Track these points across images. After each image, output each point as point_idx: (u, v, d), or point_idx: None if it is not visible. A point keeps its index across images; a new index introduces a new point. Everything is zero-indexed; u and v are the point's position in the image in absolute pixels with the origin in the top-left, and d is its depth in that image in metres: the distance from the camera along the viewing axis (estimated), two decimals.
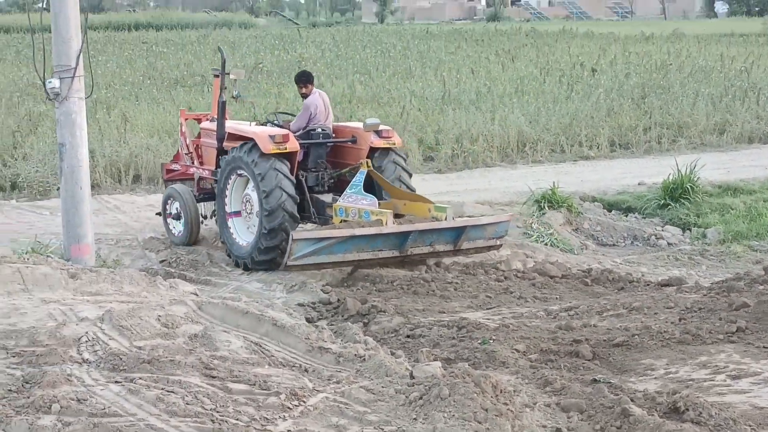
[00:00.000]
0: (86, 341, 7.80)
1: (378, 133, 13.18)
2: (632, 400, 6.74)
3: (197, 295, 10.24)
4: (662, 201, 15.99)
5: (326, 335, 8.37)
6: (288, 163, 12.56)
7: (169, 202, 14.02)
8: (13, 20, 57.59)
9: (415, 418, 6.34)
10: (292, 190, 12.44)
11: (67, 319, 8.58)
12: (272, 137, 12.44)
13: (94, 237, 12.28)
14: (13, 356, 7.60)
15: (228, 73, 13.87)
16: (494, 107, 23.43)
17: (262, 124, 13.55)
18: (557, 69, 30.73)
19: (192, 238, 13.76)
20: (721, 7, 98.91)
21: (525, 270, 12.39)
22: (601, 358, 8.75)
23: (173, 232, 13.92)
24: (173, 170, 14.83)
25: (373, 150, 13.15)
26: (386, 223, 12.04)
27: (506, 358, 8.48)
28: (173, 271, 12.48)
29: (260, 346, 8.05)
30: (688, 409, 6.62)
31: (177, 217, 13.86)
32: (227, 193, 13.00)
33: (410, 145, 20.13)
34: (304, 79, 13.74)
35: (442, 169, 19.57)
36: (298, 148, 12.74)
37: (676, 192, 16.02)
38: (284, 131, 12.74)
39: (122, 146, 19.02)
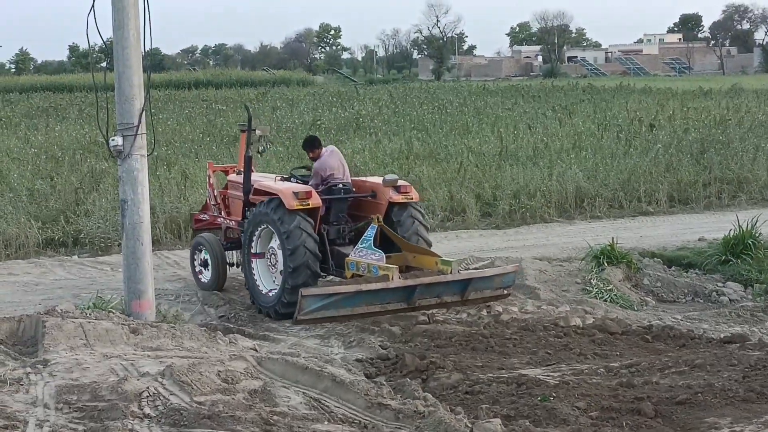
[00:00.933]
0: (147, 396, 7.85)
1: (396, 188, 13.72)
2: None
3: (256, 350, 10.27)
4: (723, 257, 15.81)
5: (385, 391, 8.36)
6: (311, 221, 13.09)
7: (197, 250, 14.69)
8: (77, 79, 58.72)
9: None
10: (315, 247, 13.00)
11: (129, 374, 8.65)
12: (296, 194, 13.00)
13: (154, 292, 12.39)
14: (76, 411, 7.66)
15: (254, 130, 14.51)
16: (551, 163, 23.41)
17: (285, 179, 14.21)
18: (615, 125, 30.67)
19: (220, 284, 14.38)
20: None
21: (584, 326, 12.27)
22: (663, 416, 8.63)
23: (201, 279, 14.56)
24: (202, 220, 15.65)
25: (392, 204, 13.70)
26: (392, 278, 12.44)
27: (567, 415, 8.39)
28: (232, 326, 12.54)
29: (320, 402, 8.06)
30: None
31: (205, 265, 14.53)
32: (253, 245, 13.55)
33: (467, 201, 20.15)
34: (309, 146, 14.36)
35: (500, 225, 19.54)
36: (320, 203, 13.27)
37: (738, 248, 15.83)
38: (307, 188, 13.29)
39: (182, 202, 19.24)
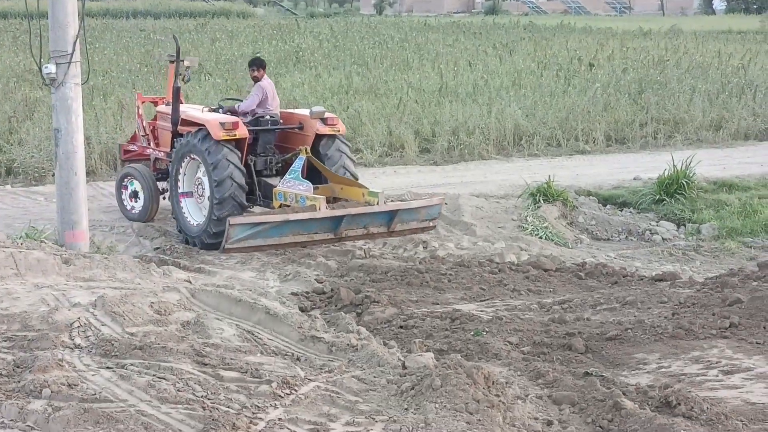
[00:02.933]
0: (78, 327, 7.78)
1: (323, 120, 13.76)
2: (624, 394, 6.74)
3: (191, 282, 10.22)
4: (657, 196, 15.98)
5: (319, 324, 8.36)
6: (238, 152, 13.11)
7: (126, 180, 14.60)
8: (11, 6, 57.40)
9: (406, 409, 6.33)
10: (241, 179, 13.01)
11: (60, 304, 8.56)
12: (223, 124, 12.96)
13: (88, 223, 12.25)
14: (5, 341, 7.57)
15: (182, 60, 14.42)
16: (491, 100, 23.39)
17: (213, 110, 14.09)
18: (554, 63, 30.67)
19: (151, 215, 14.35)
20: (719, 4, 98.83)
21: (519, 263, 12.37)
22: (593, 351, 8.75)
23: (130, 210, 14.48)
24: (130, 151, 15.51)
25: (319, 137, 13.75)
26: (319, 208, 12.55)
27: (499, 350, 8.47)
28: (167, 258, 12.46)
29: (253, 334, 8.04)
30: (679, 404, 6.62)
31: (135, 195, 14.44)
32: (180, 175, 13.52)
33: (406, 137, 20.10)
34: (257, 64, 14.32)
35: (438, 162, 19.54)
36: (247, 134, 13.24)
37: (672, 187, 16.00)
38: (234, 119, 13.27)
39: (118, 133, 18.95)
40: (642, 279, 11.75)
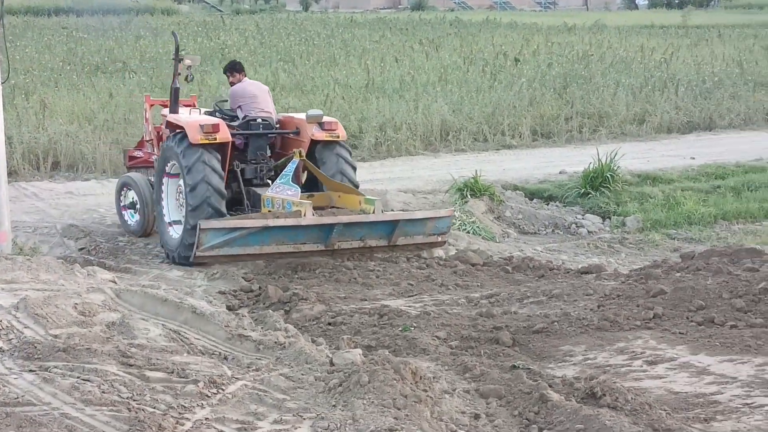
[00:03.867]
0: (0, 330, 7.65)
1: (321, 125, 12.75)
2: (550, 386, 6.80)
3: (116, 282, 10.10)
4: (583, 190, 16.13)
5: (246, 323, 8.32)
6: (218, 156, 12.07)
7: (124, 191, 13.59)
8: None
9: (334, 405, 6.32)
10: (219, 184, 11.96)
11: None
12: (202, 127, 11.96)
13: (10, 224, 12.05)
14: None
15: (182, 60, 13.49)
16: (418, 96, 23.45)
17: (209, 113, 13.22)
18: (480, 59, 30.82)
19: (149, 228, 13.22)
20: (641, 0, 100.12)
21: (447, 258, 12.41)
22: (520, 344, 8.82)
23: (128, 222, 13.50)
24: (136, 157, 14.42)
25: (315, 143, 12.73)
26: (305, 215, 11.53)
27: (427, 345, 8.50)
28: (92, 259, 12.31)
29: (179, 334, 7.97)
30: (605, 395, 6.69)
31: (132, 206, 13.39)
32: (163, 187, 12.54)
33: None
34: (230, 68, 13.58)
35: (366, 158, 19.53)
36: (230, 138, 12.19)
37: (597, 181, 16.16)
38: (216, 120, 12.30)
39: (41, 132, 18.67)
40: (568, 272, 11.86)
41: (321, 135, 12.67)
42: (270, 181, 12.70)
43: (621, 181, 16.37)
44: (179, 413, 5.99)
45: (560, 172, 17.57)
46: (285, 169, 12.29)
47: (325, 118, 12.90)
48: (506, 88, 24.80)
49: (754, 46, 36.46)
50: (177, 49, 13.67)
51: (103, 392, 6.25)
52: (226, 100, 13.79)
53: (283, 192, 12.02)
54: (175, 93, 13.24)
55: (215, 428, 5.79)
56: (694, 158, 19.01)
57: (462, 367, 7.31)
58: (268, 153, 13.06)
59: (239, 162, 12.72)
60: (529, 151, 20.69)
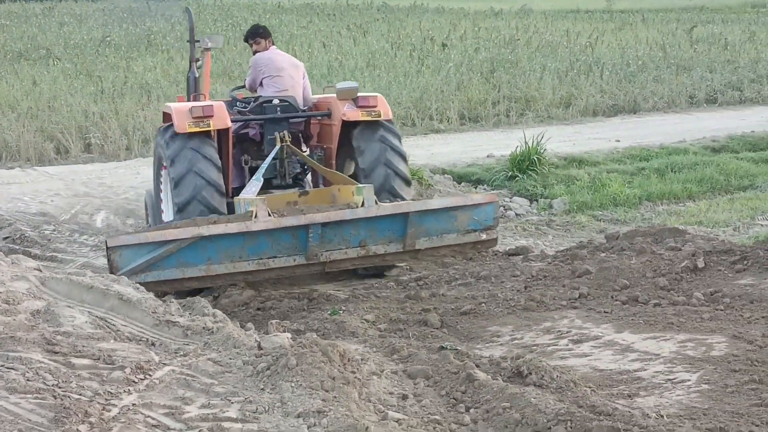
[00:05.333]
0: None
1: (355, 101, 10.29)
2: (477, 366, 6.86)
3: (41, 271, 9.97)
4: (510, 173, 16.26)
5: (174, 309, 8.25)
6: (214, 143, 9.85)
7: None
8: None
9: (262, 389, 6.32)
10: (214, 175, 9.63)
11: None
12: (191, 111, 9.74)
13: None
14: None
15: (197, 41, 11.77)
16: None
17: (227, 103, 10.91)
18: (408, 44, 30.89)
19: None
20: None
21: None
22: (448, 326, 8.89)
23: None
24: None
25: (348, 125, 10.29)
26: (255, 216, 9.07)
27: (355, 328, 8.54)
28: (17, 247, 12.14)
29: (106, 321, 7.89)
30: (531, 373, 6.77)
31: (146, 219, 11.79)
32: (162, 184, 10.64)
33: None
34: (252, 34, 11.31)
35: None
36: (228, 124, 9.96)
37: (524, 164, 16.30)
38: (210, 103, 10.15)
39: None
40: (496, 254, 11.94)
41: (355, 114, 10.17)
42: (295, 181, 10.66)
43: (548, 164, 16.53)
44: (106, 400, 5.94)
45: (488, 156, 17.68)
46: (266, 161, 10.14)
47: (362, 93, 10.49)
48: (434, 73, 24.90)
49: (677, 30, 36.96)
50: (192, 30, 11.78)
51: (28, 380, 6.18)
52: (243, 87, 11.62)
53: (248, 190, 9.68)
54: (190, 83, 11.54)
55: (142, 414, 5.76)
56: (619, 141, 19.24)
57: (390, 349, 7.35)
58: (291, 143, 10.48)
59: (252, 157, 10.60)
60: (457, 135, 20.79)
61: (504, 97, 23.31)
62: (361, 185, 9.53)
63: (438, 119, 21.76)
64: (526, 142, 16.51)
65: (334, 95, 10.51)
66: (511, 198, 15.68)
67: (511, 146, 16.88)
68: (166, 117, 10.40)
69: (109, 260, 9.02)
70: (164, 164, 10.16)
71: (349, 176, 10.35)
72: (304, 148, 10.92)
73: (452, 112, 21.99)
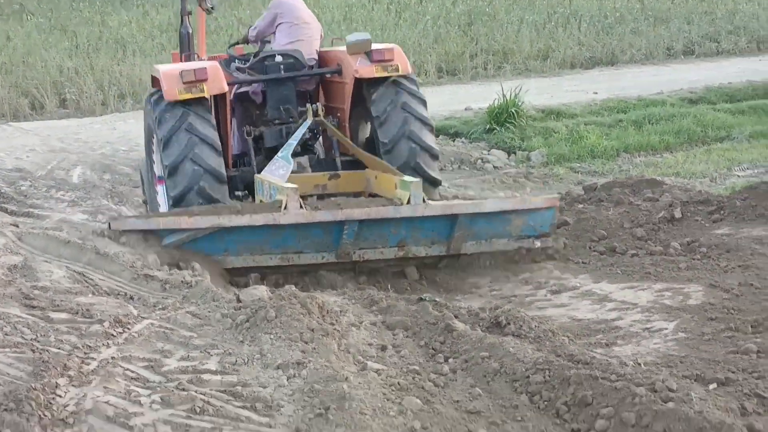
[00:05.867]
0: None
1: (369, 55, 9.11)
2: (456, 317, 6.88)
3: (17, 226, 9.93)
4: (488, 126, 16.24)
5: (152, 262, 8.25)
6: (211, 117, 8.78)
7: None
8: None
9: (241, 341, 6.33)
10: (215, 162, 8.60)
11: None
12: (182, 75, 8.59)
13: None
14: None
15: None
16: (323, 34, 23.25)
17: (225, 60, 9.96)
18: None
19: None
20: None
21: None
22: (427, 278, 8.90)
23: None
24: None
25: (361, 83, 9.15)
26: (284, 207, 7.97)
27: (333, 280, 8.53)
28: None
29: (84, 275, 7.88)
30: (509, 323, 6.79)
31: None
32: (154, 154, 9.47)
33: None
34: None
35: None
36: (225, 88, 8.92)
37: (502, 117, 16.28)
38: (203, 64, 8.97)
39: None
40: None
41: (369, 70, 9.02)
42: (303, 150, 9.42)
43: (525, 117, 16.52)
44: (84, 353, 5.94)
45: (466, 109, 17.65)
46: (292, 137, 8.98)
47: (376, 45, 9.26)
48: (411, 26, 24.78)
49: None
50: None
51: (6, 335, 6.17)
52: (237, 43, 10.63)
53: (276, 171, 8.63)
54: (184, 40, 10.36)
55: (121, 367, 5.76)
56: (596, 93, 19.22)
57: (369, 301, 7.35)
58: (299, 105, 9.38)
59: (253, 125, 9.48)
60: (434, 89, 20.71)
61: (482, 50, 23.25)
62: (407, 178, 8.38)
63: (416, 73, 21.67)
64: (504, 95, 16.48)
65: (344, 48, 9.47)
66: (489, 151, 15.68)
67: (489, 99, 16.85)
68: (155, 82, 9.28)
69: None
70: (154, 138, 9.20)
71: (366, 140, 9.66)
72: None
73: (430, 65, 21.92)
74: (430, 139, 9.24)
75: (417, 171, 9.11)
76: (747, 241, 9.12)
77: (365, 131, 9.86)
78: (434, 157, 9.35)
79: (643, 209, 10.23)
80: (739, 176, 13.77)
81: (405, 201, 8.20)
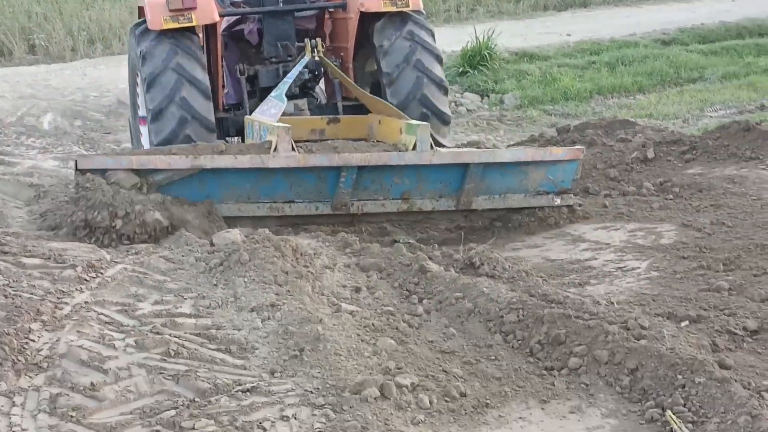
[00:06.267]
0: None
1: None
2: (430, 258, 6.88)
3: None
4: (461, 69, 16.20)
5: None
6: (201, 53, 8.11)
7: None
8: None
9: (215, 284, 6.32)
10: (203, 106, 7.97)
11: None
12: (168, 3, 7.90)
13: None
14: None
15: None
16: None
17: None
18: None
19: None
20: None
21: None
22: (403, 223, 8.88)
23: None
24: None
25: (366, 17, 8.51)
26: (274, 148, 7.32)
27: (307, 223, 8.50)
28: None
29: None
30: (483, 264, 6.80)
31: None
32: (138, 91, 8.80)
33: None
34: None
35: None
36: (216, 18, 8.23)
37: (475, 60, 16.23)
38: None
39: None
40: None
41: (376, 4, 8.32)
42: (301, 92, 8.85)
43: (499, 60, 16.48)
44: (58, 298, 5.91)
45: None
46: (288, 75, 8.37)
47: None
48: None
49: None
50: None
51: None
52: None
53: (267, 111, 7.99)
54: None
55: (95, 311, 5.74)
56: (569, 35, 19.18)
57: (343, 243, 7.34)
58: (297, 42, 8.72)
59: (249, 63, 8.84)
60: None
61: None
62: (414, 122, 7.74)
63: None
64: (476, 38, 16.41)
65: None
66: (462, 94, 15.65)
67: (461, 42, 16.78)
68: (141, 12, 8.64)
69: (77, 185, 7.34)
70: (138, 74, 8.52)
71: (370, 74, 9.10)
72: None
73: None
74: (438, 70, 8.66)
75: (423, 103, 8.55)
76: (719, 180, 9.17)
77: (371, 70, 9.21)
78: (443, 89, 8.72)
79: (616, 150, 10.26)
80: (711, 117, 13.82)
81: (410, 147, 7.55)
